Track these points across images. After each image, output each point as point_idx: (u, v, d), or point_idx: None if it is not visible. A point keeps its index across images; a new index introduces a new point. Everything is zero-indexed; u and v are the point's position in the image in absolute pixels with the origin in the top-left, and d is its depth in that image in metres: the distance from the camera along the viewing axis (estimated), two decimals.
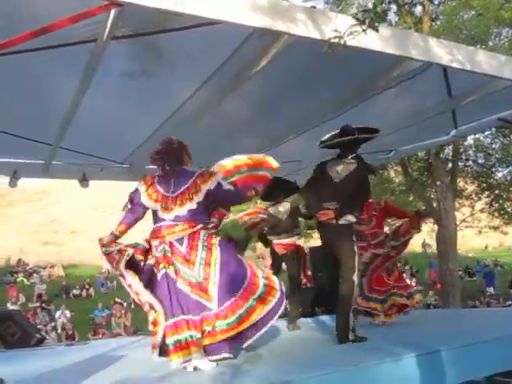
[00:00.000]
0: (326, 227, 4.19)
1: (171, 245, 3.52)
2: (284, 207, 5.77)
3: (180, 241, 3.52)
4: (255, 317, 3.47)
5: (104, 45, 3.22)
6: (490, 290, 19.75)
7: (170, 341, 3.36)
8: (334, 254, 4.22)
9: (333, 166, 4.33)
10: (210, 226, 3.76)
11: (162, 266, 3.51)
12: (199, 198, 3.58)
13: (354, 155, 4.34)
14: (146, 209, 3.68)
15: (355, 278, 4.18)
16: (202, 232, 3.57)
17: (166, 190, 3.62)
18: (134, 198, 3.71)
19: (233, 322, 3.40)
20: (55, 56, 3.42)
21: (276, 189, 5.55)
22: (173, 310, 3.42)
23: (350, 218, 4.26)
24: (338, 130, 4.37)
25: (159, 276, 3.54)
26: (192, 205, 3.56)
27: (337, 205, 4.15)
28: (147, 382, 3.28)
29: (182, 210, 3.56)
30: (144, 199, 3.64)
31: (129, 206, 3.75)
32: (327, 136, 4.42)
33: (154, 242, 3.59)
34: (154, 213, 3.65)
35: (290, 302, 5.45)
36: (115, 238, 3.71)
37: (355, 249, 4.25)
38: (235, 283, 3.49)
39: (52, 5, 2.77)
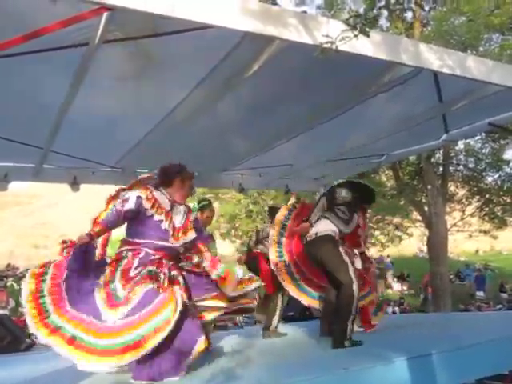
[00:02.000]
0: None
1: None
2: None
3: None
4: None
5: (96, 48, 3.21)
6: (480, 294, 19.81)
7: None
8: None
9: None
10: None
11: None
12: (191, 237, 3.89)
13: None
14: (135, 213, 3.68)
15: (354, 287, 4.25)
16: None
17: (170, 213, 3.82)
18: (133, 204, 3.65)
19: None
20: (46, 60, 3.40)
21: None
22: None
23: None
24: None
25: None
26: (192, 235, 3.87)
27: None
28: None
29: (186, 239, 3.83)
30: (151, 212, 3.72)
31: (120, 207, 3.65)
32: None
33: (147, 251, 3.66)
34: (157, 228, 3.71)
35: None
36: (91, 239, 3.63)
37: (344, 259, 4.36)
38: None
39: (43, 9, 2.75)
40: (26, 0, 2.87)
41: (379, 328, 5.33)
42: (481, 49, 12.35)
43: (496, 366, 3.95)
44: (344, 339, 4.14)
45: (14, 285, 20.48)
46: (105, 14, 2.83)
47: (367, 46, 3.39)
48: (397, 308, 16.30)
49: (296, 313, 7.00)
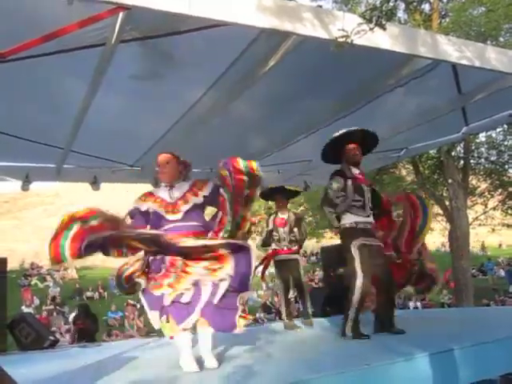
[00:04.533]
0: None
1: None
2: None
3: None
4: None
5: (113, 48, 3.24)
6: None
7: None
8: None
9: None
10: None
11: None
12: (198, 199, 3.69)
13: None
14: (148, 216, 3.71)
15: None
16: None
17: (167, 197, 3.72)
18: (133, 212, 3.75)
19: None
20: (65, 60, 3.45)
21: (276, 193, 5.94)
22: None
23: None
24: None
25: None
26: (188, 206, 3.66)
27: None
28: (160, 383, 3.29)
29: (185, 207, 3.65)
30: (149, 206, 3.69)
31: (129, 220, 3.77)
32: None
33: None
34: (159, 217, 3.68)
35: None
36: None
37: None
38: None
39: (61, 10, 2.79)
40: (43, 1, 2.91)
41: (401, 324, 5.28)
42: (501, 39, 12.13)
43: None
44: (345, 328, 4.25)
45: (38, 283, 20.84)
46: (121, 14, 2.86)
47: (384, 39, 3.37)
48: (419, 303, 16.15)
49: (316, 309, 6.96)
